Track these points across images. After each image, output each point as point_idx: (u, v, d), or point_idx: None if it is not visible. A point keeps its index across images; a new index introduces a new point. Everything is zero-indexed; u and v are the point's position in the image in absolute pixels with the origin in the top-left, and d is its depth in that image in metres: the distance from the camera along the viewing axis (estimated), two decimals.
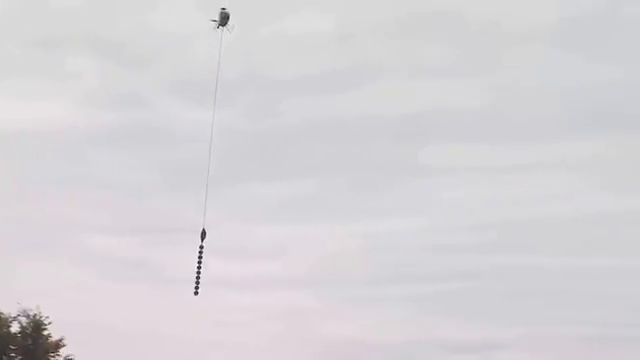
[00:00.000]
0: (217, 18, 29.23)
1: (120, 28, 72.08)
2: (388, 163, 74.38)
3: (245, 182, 70.59)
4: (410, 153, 74.24)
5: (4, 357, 44.51)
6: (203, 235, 30.05)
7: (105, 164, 72.84)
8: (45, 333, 44.99)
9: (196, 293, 29.59)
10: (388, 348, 66.31)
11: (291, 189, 73.14)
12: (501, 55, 73.80)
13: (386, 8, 70.45)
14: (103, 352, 52.83)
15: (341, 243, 71.93)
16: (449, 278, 69.17)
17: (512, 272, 67.45)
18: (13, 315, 45.04)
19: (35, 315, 44.82)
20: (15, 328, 45.14)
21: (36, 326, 44.68)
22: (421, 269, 70.37)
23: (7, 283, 53.17)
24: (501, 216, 70.31)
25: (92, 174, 71.58)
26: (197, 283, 29.66)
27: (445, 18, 70.78)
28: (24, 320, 44.80)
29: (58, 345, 45.58)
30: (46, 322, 45.00)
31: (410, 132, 73.54)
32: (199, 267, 29.85)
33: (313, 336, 68.27)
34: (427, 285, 68.58)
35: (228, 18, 29.79)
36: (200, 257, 30.13)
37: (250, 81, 68.96)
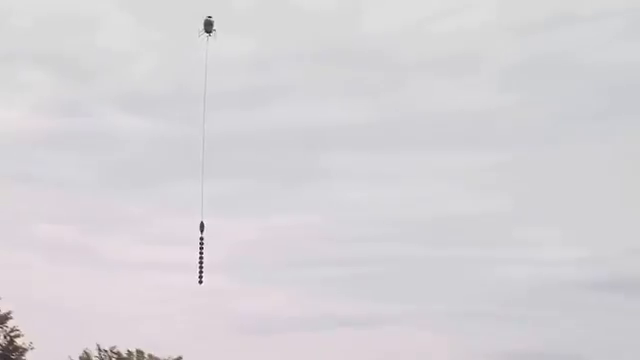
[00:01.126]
0: (202, 26, 30.67)
1: (68, 45, 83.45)
2: (295, 168, 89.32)
3: (172, 182, 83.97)
4: (313, 160, 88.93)
5: None
6: (202, 227, 31.61)
7: (52, 164, 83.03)
8: None
9: (200, 282, 31.32)
10: (294, 322, 78.27)
11: (212, 188, 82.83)
12: (394, 81, 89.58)
13: (297, 38, 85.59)
14: (45, 325, 58.31)
15: (254, 234, 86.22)
16: (345, 264, 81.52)
17: (399, 260, 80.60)
18: None
19: None
20: None
21: None
22: (321, 256, 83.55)
23: None
24: (390, 214, 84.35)
25: (40, 173, 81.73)
26: (200, 272, 31.33)
27: (347, 49, 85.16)
28: None
29: (5, 318, 47.15)
30: None
31: (314, 143, 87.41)
32: (201, 257, 31.50)
33: (229, 311, 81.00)
34: (327, 269, 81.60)
35: (212, 25, 31.76)
36: (201, 248, 31.69)
37: (179, 96, 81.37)
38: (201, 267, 31.58)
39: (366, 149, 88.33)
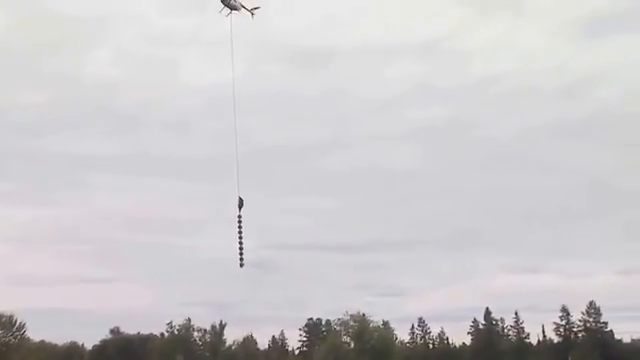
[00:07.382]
0: (222, 5, 32.33)
1: None
2: (68, 180, 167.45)
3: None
4: (79, 175, 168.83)
5: None
6: (241, 204, 29.94)
7: None
8: None
9: (241, 265, 29.70)
10: (51, 280, 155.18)
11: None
12: (137, 130, 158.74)
13: (80, 99, 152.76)
14: None
15: (31, 217, 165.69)
16: (86, 243, 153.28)
17: (120, 242, 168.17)
18: None
19: None
20: None
21: None
22: (74, 236, 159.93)
23: None
24: (122, 212, 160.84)
25: None
26: (241, 254, 29.98)
27: (110, 111, 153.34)
28: None
29: None
30: None
31: (81, 165, 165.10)
32: (240, 239, 29.96)
33: (8, 268, 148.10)
34: (73, 246, 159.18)
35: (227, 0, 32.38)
36: (240, 227, 30.04)
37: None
38: (241, 250, 30.33)
39: (117, 172, 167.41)
